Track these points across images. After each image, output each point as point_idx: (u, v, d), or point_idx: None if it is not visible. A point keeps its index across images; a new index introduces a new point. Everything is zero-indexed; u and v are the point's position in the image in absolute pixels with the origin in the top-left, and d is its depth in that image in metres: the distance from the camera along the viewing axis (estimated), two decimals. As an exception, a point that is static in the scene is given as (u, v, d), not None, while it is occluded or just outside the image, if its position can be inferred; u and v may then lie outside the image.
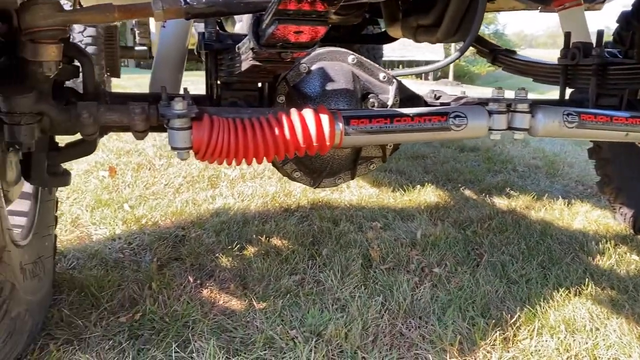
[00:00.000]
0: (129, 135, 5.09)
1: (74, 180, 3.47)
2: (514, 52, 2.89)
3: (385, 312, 2.01)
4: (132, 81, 12.96)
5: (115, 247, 2.51)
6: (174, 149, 1.43)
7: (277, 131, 1.47)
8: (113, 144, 4.71)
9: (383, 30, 3.39)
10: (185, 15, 1.43)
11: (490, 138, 1.74)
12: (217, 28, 1.76)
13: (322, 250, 2.53)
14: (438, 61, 2.18)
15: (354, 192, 3.63)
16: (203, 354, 1.69)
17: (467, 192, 3.73)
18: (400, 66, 37.65)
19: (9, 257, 1.37)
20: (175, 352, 1.70)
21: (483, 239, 2.77)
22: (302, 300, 2.07)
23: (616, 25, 2.89)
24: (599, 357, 1.79)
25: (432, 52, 34.22)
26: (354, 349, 1.77)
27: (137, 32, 6.24)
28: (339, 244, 2.62)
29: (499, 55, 2.88)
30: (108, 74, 5.54)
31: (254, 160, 1.51)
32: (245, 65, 1.42)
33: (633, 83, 2.15)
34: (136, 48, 6.34)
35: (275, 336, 1.82)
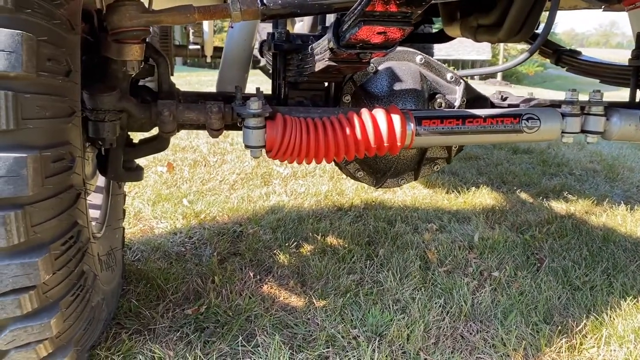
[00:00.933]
0: (182, 132, 5.20)
1: (134, 175, 3.58)
2: (578, 53, 2.81)
3: (446, 314, 2.00)
4: (181, 79, 13.27)
5: (177, 241, 2.58)
6: (247, 147, 1.46)
7: (348, 131, 1.48)
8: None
9: (439, 29, 3.35)
10: (262, 16, 1.46)
11: (563, 141, 1.70)
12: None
13: (379, 251, 2.53)
14: (490, 61, 2.15)
15: (407, 192, 3.61)
16: (267, 348, 1.72)
17: (523, 195, 3.65)
18: (446, 65, 37.10)
19: (91, 249, 1.43)
20: (241, 346, 1.73)
21: (542, 244, 2.70)
22: (362, 299, 2.07)
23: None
24: (673, 370, 1.73)
25: (478, 51, 33.59)
26: (417, 350, 1.77)
27: (191, 31, 6.37)
28: (396, 245, 2.62)
29: (563, 55, 2.81)
30: (162, 72, 5.69)
31: (324, 160, 1.53)
32: (319, 66, 1.44)
33: None
34: (189, 47, 6.47)
35: (337, 334, 1.83)
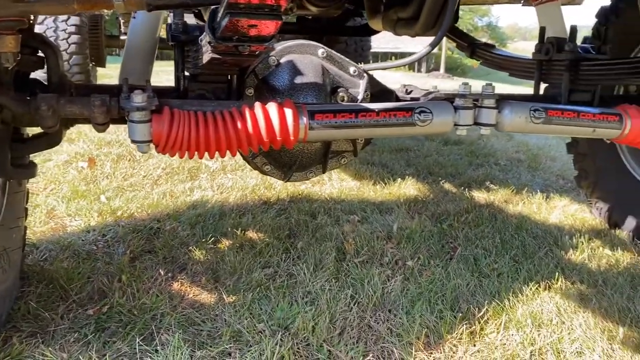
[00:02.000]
0: (110, 126, 5.05)
1: (52, 171, 3.45)
2: (492, 47, 2.89)
3: (354, 305, 2.02)
4: (113, 71, 12.87)
5: (89, 239, 2.50)
6: (133, 142, 1.43)
7: (239, 125, 1.47)
8: (94, 134, 4.68)
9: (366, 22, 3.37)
10: (147, 7, 1.41)
11: (457, 133, 1.75)
12: (185, 19, 1.74)
13: (298, 244, 2.54)
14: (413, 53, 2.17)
15: (335, 185, 3.63)
16: (167, 346, 1.69)
17: (447, 186, 3.74)
18: (393, 58, 37.58)
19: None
20: (139, 345, 1.70)
21: (458, 233, 2.78)
22: (273, 293, 2.07)
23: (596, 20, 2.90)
24: (563, 351, 1.81)
25: (423, 44, 34.10)
26: (320, 342, 1.78)
27: (121, 21, 6.18)
28: (315, 237, 2.63)
29: (478, 49, 2.88)
30: (93, 63, 5.49)
31: (217, 153, 1.51)
32: (206, 58, 1.42)
33: (605, 79, 2.16)
34: (121, 37, 6.27)
35: (243, 330, 1.82)
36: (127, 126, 1.41)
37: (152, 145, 1.47)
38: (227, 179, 3.56)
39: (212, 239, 2.55)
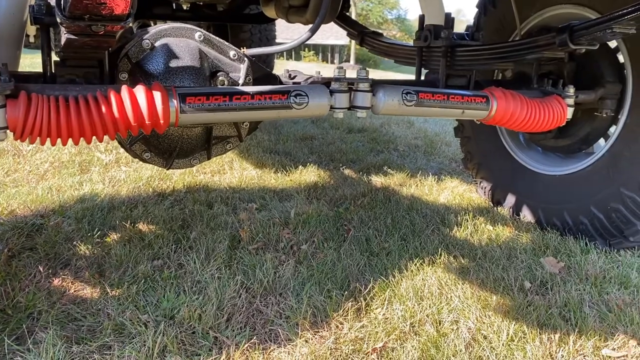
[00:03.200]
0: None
1: None
2: (380, 35, 2.99)
3: (244, 291, 2.02)
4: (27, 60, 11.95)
5: (-39, 239, 2.31)
6: (-14, 128, 1.33)
7: (104, 109, 1.41)
8: (-24, 128, 4.33)
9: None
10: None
11: (334, 116, 1.79)
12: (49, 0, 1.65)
13: (190, 234, 2.49)
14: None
15: (236, 174, 3.61)
16: (41, 344, 1.61)
17: (347, 172, 3.83)
18: (306, 49, 37.79)
19: None
20: (9, 346, 1.60)
21: (353, 216, 2.86)
22: (160, 284, 2.03)
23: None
24: (441, 321, 1.92)
25: (336, 36, 34.61)
26: (207, 329, 1.77)
27: None
28: (209, 227, 2.60)
29: (366, 37, 2.97)
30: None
31: (82, 140, 1.44)
32: (63, 39, 1.35)
33: (477, 64, 2.30)
34: None
35: (126, 322, 1.77)
36: (-22, 112, 1.32)
37: (9, 132, 1.38)
38: (121, 172, 3.43)
39: (99, 232, 2.45)
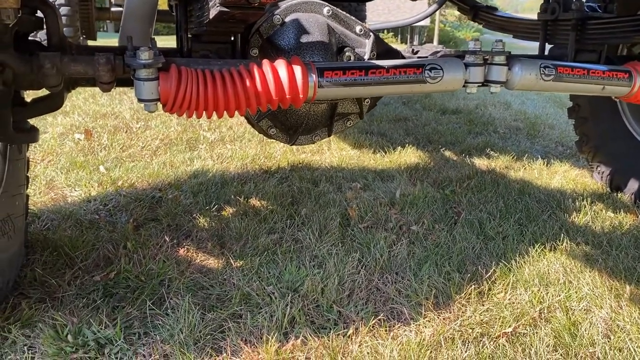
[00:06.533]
0: (105, 99, 4.99)
1: (49, 143, 3.40)
2: (495, 9, 2.86)
3: (362, 268, 2.02)
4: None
5: (91, 209, 2.47)
6: (140, 100, 1.39)
7: (248, 82, 1.43)
8: (89, 107, 4.61)
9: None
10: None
11: (467, 92, 1.72)
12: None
13: (301, 210, 2.52)
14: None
15: (335, 154, 3.61)
16: (178, 310, 1.68)
17: (447, 153, 3.73)
18: (385, 31, 37.23)
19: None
20: (150, 309, 1.69)
21: (461, 198, 2.78)
22: (280, 258, 2.06)
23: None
24: (571, 309, 1.82)
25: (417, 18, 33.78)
26: (330, 303, 1.78)
27: (111, -8, 6.03)
28: (318, 204, 2.61)
29: (480, 11, 2.85)
30: (84, 36, 5.38)
31: (225, 113, 1.47)
32: (213, 13, 1.37)
33: (612, 37, 2.14)
34: (112, 9, 6.13)
35: (252, 292, 1.82)
36: (134, 85, 1.38)
37: (159, 104, 1.44)
38: (227, 149, 3.52)
39: (216, 206, 2.53)
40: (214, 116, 1.47)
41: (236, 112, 1.48)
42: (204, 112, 1.45)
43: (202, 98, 1.40)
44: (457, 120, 4.91)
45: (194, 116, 1.46)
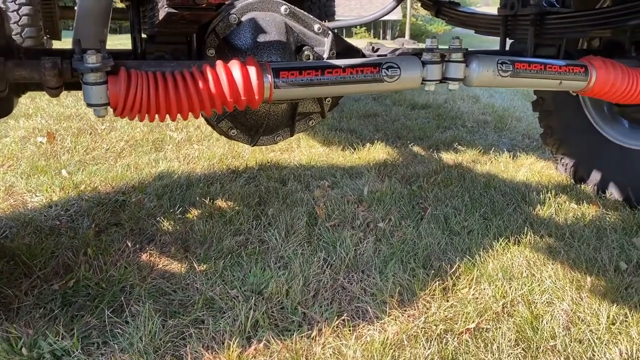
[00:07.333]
0: (70, 100, 4.87)
1: (10, 147, 3.31)
2: (457, 4, 2.87)
3: (327, 267, 2.01)
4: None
5: (52, 215, 2.41)
6: (89, 105, 1.35)
7: (201, 84, 1.41)
8: (53, 109, 4.51)
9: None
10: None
11: (425, 89, 1.72)
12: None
13: (268, 210, 2.50)
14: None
15: (304, 151, 3.59)
16: (138, 317, 1.65)
17: (416, 149, 3.74)
18: (358, 26, 37.29)
19: None
20: (109, 318, 1.65)
21: (428, 193, 2.79)
22: (245, 260, 2.04)
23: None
24: (534, 302, 1.84)
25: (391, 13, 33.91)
26: (294, 304, 1.77)
27: (75, -10, 5.89)
28: (285, 204, 2.60)
29: (443, 7, 2.85)
30: (48, 36, 5.24)
31: (179, 115, 1.45)
32: (162, 14, 1.34)
33: (569, 32, 2.16)
34: (76, 8, 5.99)
35: (215, 297, 1.79)
36: (82, 89, 1.34)
37: (109, 108, 1.40)
38: (194, 150, 3.48)
39: (180, 209, 2.49)
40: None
41: (192, 115, 1.45)
42: (157, 115, 1.42)
43: (153, 101, 1.38)
44: (426, 115, 4.93)
45: (146, 119, 1.43)
